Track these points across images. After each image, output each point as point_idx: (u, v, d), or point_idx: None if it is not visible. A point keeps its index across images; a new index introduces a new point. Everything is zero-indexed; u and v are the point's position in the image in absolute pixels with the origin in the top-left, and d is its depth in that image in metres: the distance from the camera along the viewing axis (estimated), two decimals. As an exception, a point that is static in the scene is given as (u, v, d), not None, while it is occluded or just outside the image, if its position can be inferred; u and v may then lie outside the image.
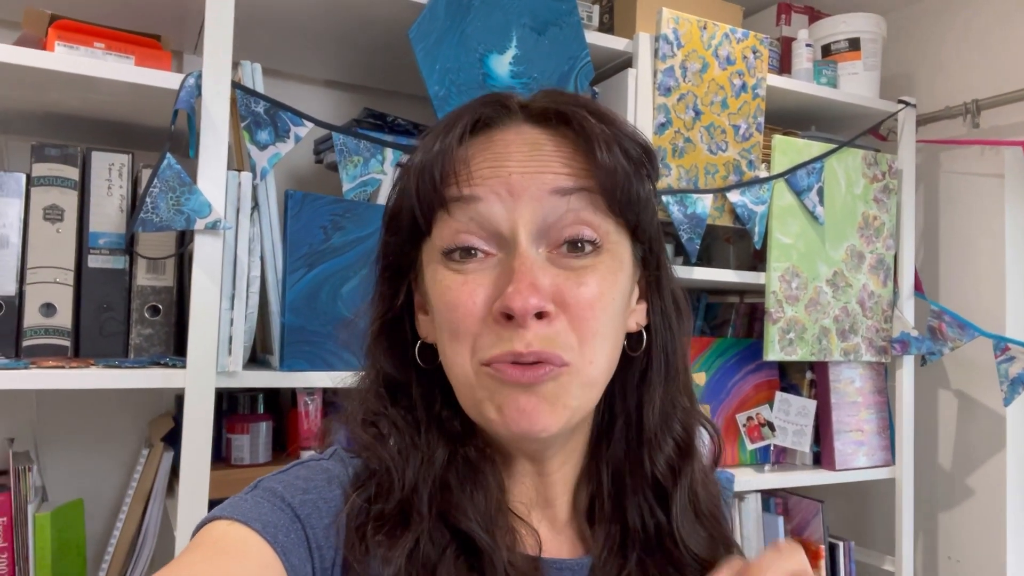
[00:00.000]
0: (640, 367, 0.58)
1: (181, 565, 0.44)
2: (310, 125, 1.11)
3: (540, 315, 0.49)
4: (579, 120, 0.52)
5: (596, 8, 1.35)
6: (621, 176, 0.52)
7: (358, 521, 0.51)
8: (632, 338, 0.57)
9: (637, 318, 0.58)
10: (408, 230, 0.55)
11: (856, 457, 1.59)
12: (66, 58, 0.97)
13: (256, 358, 1.22)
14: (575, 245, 0.51)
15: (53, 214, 1.06)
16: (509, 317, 0.49)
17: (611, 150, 0.51)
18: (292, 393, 1.30)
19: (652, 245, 0.58)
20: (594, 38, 1.31)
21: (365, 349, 0.59)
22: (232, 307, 1.04)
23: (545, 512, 0.58)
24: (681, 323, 0.60)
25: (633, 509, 0.57)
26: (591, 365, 0.52)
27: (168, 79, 1.01)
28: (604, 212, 0.52)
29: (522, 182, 0.51)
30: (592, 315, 0.51)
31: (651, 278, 0.59)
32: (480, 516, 0.52)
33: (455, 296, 0.51)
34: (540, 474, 0.57)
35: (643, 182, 0.54)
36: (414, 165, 0.54)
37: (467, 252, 0.52)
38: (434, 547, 0.51)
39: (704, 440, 0.63)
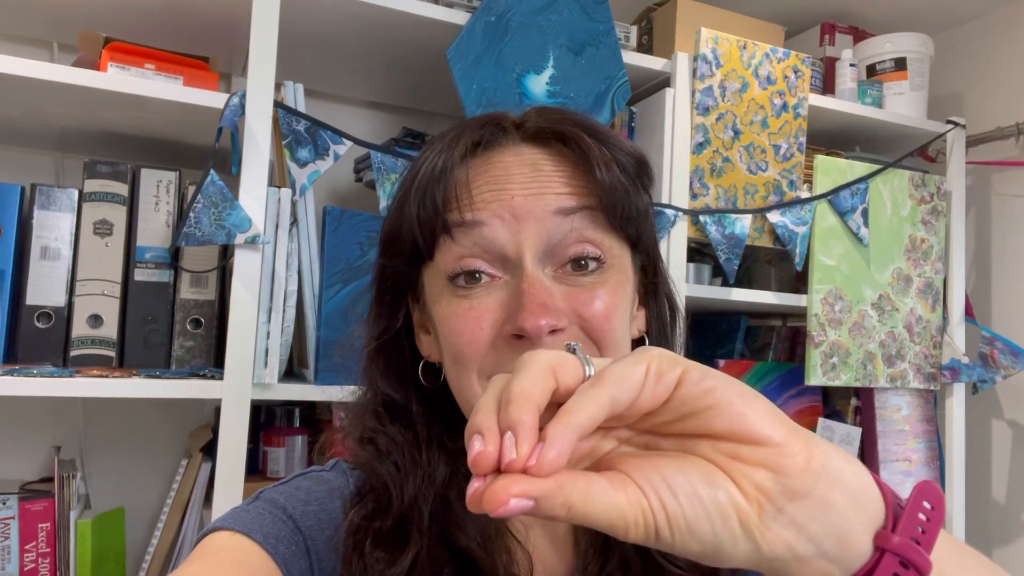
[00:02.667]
0: None
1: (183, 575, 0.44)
2: (349, 143, 1.13)
3: (554, 331, 0.50)
4: (576, 140, 0.53)
5: (634, 29, 1.35)
6: (620, 193, 0.52)
7: (357, 537, 0.51)
8: (633, 344, 0.57)
9: (638, 324, 0.58)
10: (408, 254, 0.55)
11: (903, 487, 1.53)
12: (118, 78, 1.01)
13: (293, 372, 1.23)
14: (579, 263, 0.52)
15: (103, 228, 1.10)
16: (520, 337, 0.49)
17: (610, 168, 0.52)
18: (329, 408, 1.31)
19: (650, 253, 0.58)
20: (632, 58, 1.31)
21: (361, 369, 0.59)
22: (269, 320, 1.06)
23: (544, 530, 0.57)
24: (675, 326, 0.60)
25: None
26: None
27: (214, 99, 1.04)
28: (606, 229, 0.53)
29: (525, 204, 0.51)
30: (610, 326, 0.51)
31: (649, 285, 0.59)
32: (479, 534, 0.51)
33: (461, 323, 0.51)
34: None
35: (640, 195, 0.55)
36: (413, 188, 0.54)
37: (472, 276, 0.52)
38: (433, 565, 0.50)
39: None
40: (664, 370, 0.32)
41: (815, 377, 1.42)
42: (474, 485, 0.30)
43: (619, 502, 0.31)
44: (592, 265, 0.52)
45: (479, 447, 0.30)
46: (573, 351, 0.34)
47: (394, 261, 0.56)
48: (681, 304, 0.62)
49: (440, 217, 0.52)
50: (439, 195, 0.52)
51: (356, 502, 0.53)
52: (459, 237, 0.52)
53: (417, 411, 0.56)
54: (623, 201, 0.53)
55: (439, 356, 0.55)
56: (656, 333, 0.59)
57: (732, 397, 0.32)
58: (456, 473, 0.54)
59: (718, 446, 0.32)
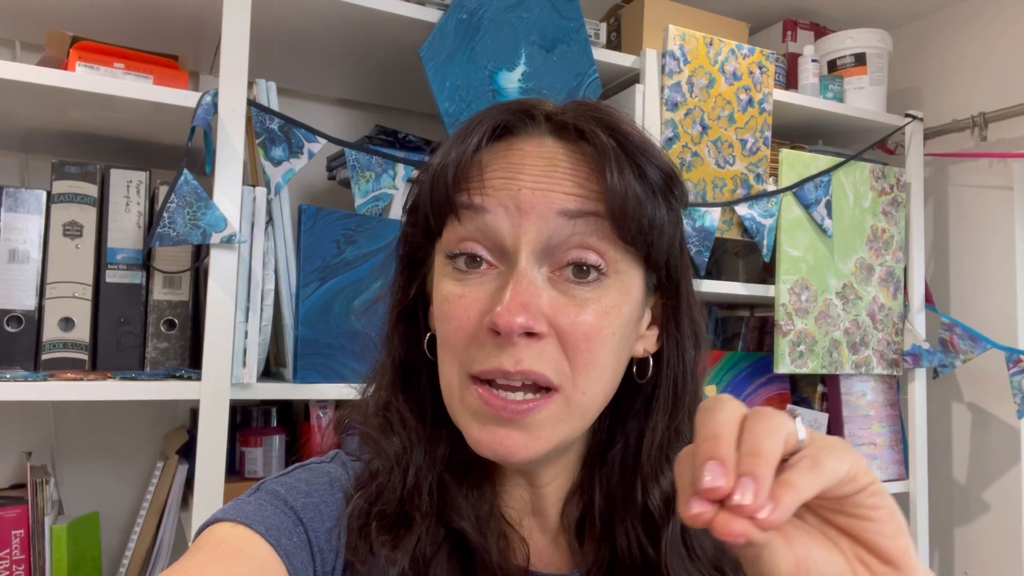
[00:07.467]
0: (646, 394, 0.56)
1: (185, 567, 0.44)
2: (323, 141, 1.13)
3: (531, 335, 0.48)
4: (594, 138, 0.50)
5: (603, 26, 1.37)
6: (632, 202, 0.49)
7: (360, 522, 0.51)
8: (640, 363, 0.55)
9: (646, 344, 0.56)
10: (423, 225, 0.54)
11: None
12: (86, 78, 1.00)
13: (270, 371, 1.23)
14: (580, 269, 0.50)
15: (72, 230, 1.08)
16: (498, 332, 0.48)
17: (622, 173, 0.49)
18: (305, 407, 1.31)
19: (670, 272, 0.55)
20: (601, 55, 1.33)
21: (383, 336, 0.59)
22: (247, 320, 1.05)
23: (536, 520, 0.57)
24: (697, 353, 0.57)
25: (622, 534, 0.55)
26: (583, 396, 0.50)
27: (185, 97, 1.03)
28: (612, 239, 0.50)
29: (531, 199, 0.49)
30: (587, 347, 0.49)
31: (667, 305, 0.56)
32: (473, 516, 0.52)
33: (452, 309, 0.51)
34: (531, 485, 0.57)
35: (659, 207, 0.51)
36: (433, 164, 0.53)
37: (473, 260, 0.51)
38: (430, 545, 0.51)
39: None
40: (857, 473, 0.37)
41: (784, 365, 1.45)
42: (698, 508, 0.35)
43: (788, 561, 0.37)
44: (592, 274, 0.50)
45: (720, 482, 0.34)
46: (794, 417, 0.39)
47: (413, 229, 0.56)
48: None
49: (450, 197, 0.51)
50: (450, 175, 0.51)
51: (360, 486, 0.53)
52: (464, 219, 0.51)
53: (426, 383, 0.56)
54: (634, 211, 0.49)
55: None
56: (672, 358, 0.55)
57: (891, 520, 0.38)
58: (454, 452, 0.54)
59: (855, 549, 0.38)
